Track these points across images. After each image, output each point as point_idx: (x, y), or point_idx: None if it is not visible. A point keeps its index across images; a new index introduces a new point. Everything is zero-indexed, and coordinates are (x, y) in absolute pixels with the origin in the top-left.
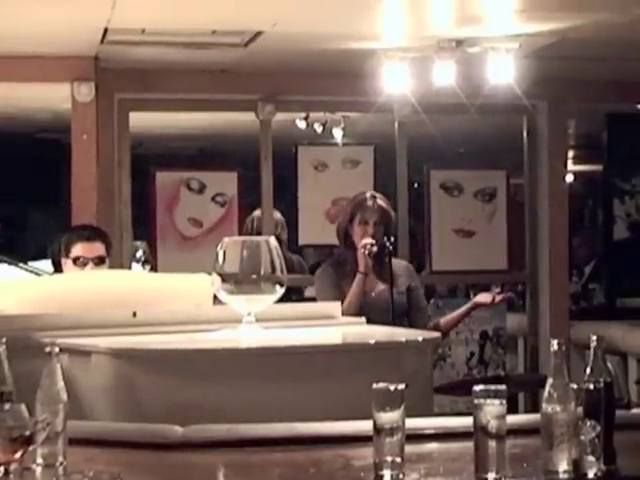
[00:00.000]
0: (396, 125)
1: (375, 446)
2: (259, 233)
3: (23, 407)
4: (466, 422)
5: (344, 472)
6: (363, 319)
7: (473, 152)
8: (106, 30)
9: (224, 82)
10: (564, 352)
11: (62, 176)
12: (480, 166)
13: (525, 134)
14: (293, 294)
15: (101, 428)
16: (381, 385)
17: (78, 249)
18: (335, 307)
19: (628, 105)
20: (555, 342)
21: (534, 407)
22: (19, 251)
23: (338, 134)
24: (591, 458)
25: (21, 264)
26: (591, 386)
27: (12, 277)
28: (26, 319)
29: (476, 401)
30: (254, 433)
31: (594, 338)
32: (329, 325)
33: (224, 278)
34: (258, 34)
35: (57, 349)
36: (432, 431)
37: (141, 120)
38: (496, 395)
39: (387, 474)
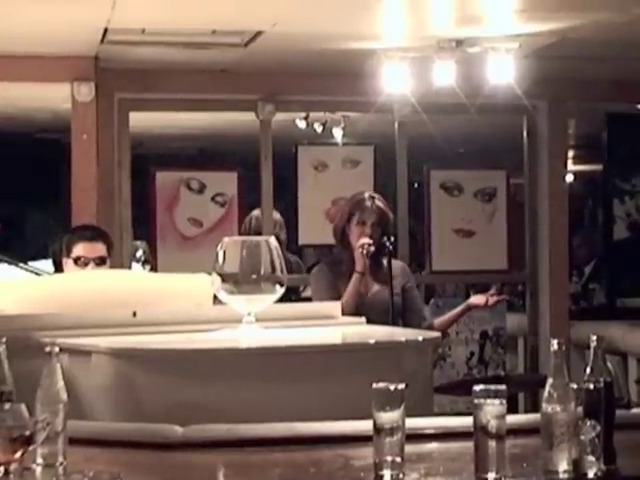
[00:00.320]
0: (396, 125)
1: (375, 446)
2: (257, 233)
3: (23, 407)
4: (466, 422)
5: (344, 472)
6: (363, 319)
7: (473, 152)
8: (106, 30)
9: (224, 82)
10: (564, 352)
11: (62, 176)
12: (480, 166)
13: (525, 134)
14: (291, 294)
15: (101, 428)
16: (381, 385)
17: (79, 249)
18: (335, 307)
19: (628, 105)
20: (555, 342)
21: (534, 407)
22: (19, 251)
23: (338, 134)
24: (591, 458)
25: (21, 264)
26: (591, 386)
27: (12, 277)
28: (26, 319)
29: (476, 401)
30: (254, 433)
31: (594, 338)
32: (329, 325)
33: (224, 278)
34: (258, 34)
35: (57, 349)
36: (432, 431)
37: (141, 120)
38: (496, 395)
39: (387, 474)
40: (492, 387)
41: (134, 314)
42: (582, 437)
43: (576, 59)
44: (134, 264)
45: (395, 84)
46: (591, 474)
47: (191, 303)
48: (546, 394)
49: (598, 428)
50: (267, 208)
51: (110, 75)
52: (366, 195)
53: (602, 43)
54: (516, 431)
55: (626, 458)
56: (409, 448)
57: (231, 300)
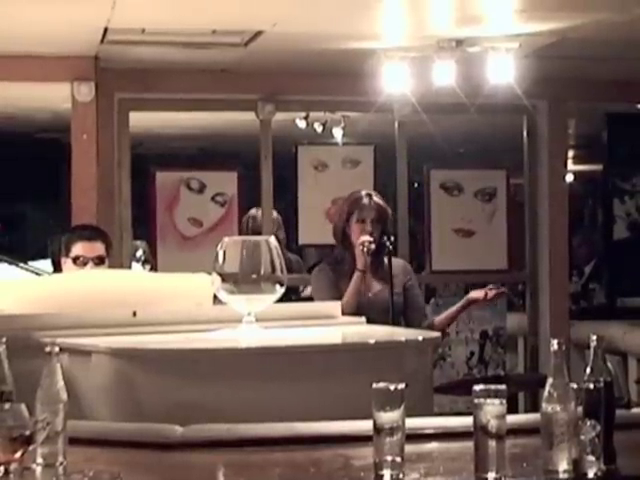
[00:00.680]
0: (396, 125)
1: (375, 446)
2: (255, 232)
3: (23, 407)
4: (466, 422)
5: (344, 472)
6: (363, 319)
7: (473, 152)
8: (106, 30)
9: (224, 82)
10: (564, 352)
11: (62, 176)
12: (480, 166)
13: (525, 134)
14: (291, 294)
15: (101, 428)
16: (381, 385)
17: (78, 249)
18: (335, 307)
19: (628, 105)
20: (555, 342)
21: (534, 407)
22: (19, 251)
23: (338, 134)
24: (591, 458)
25: (21, 264)
26: (591, 386)
27: (12, 277)
28: (26, 319)
29: (476, 401)
30: (254, 433)
31: (594, 338)
32: (329, 325)
33: (224, 278)
34: (258, 34)
35: (57, 349)
36: (432, 431)
37: (141, 120)
38: (496, 395)
39: (387, 474)
40: (492, 387)
41: (134, 314)
42: (582, 437)
43: (576, 59)
44: (134, 264)
45: (395, 84)
46: (591, 474)
47: (191, 303)
48: (546, 394)
49: (598, 428)
50: (267, 208)
51: (110, 75)
52: (363, 193)
53: (602, 43)
54: (516, 431)
55: (626, 458)
56: (409, 448)
57: (231, 300)
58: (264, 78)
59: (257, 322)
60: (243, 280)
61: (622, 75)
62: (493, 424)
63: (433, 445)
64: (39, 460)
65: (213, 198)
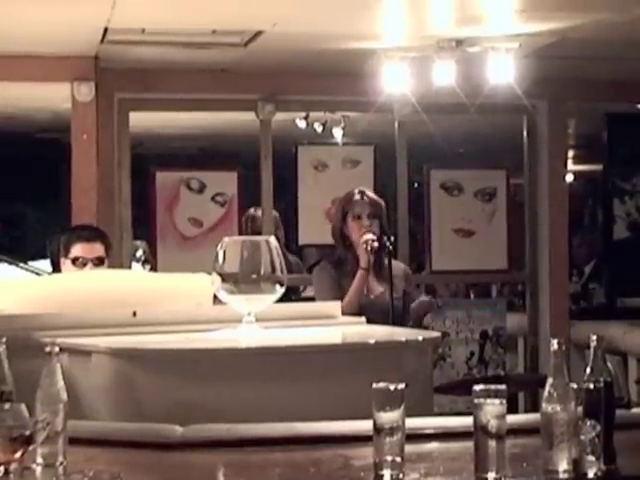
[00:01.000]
0: (396, 125)
1: (375, 446)
2: (255, 232)
3: (23, 407)
4: (466, 422)
5: (344, 472)
6: (363, 319)
7: (473, 152)
8: (106, 30)
9: (224, 82)
10: (564, 352)
11: (62, 176)
12: (480, 166)
13: (525, 134)
14: (291, 294)
15: (101, 428)
16: (381, 385)
17: (77, 249)
18: (335, 307)
19: (628, 105)
20: (555, 342)
21: (534, 407)
22: (19, 251)
23: (338, 134)
24: (591, 458)
25: (21, 264)
26: (591, 386)
27: (12, 277)
28: (26, 319)
29: (476, 401)
30: (254, 433)
31: (594, 338)
32: (329, 325)
33: (224, 278)
34: (258, 34)
35: (57, 349)
36: (432, 431)
37: (141, 120)
38: (496, 395)
39: (387, 474)
40: (492, 387)
41: (134, 314)
42: (582, 437)
43: (576, 59)
44: (134, 264)
45: (395, 84)
46: (591, 474)
47: (191, 303)
48: (546, 394)
49: (598, 428)
50: (267, 208)
51: (110, 75)
52: (355, 190)
53: (602, 43)
54: (516, 431)
55: (626, 458)
56: (409, 448)
57: (231, 300)
58: (264, 78)
59: (257, 322)
60: (243, 280)
61: (622, 75)
62: (493, 424)
63: (433, 445)
64: (39, 460)
65: (213, 198)
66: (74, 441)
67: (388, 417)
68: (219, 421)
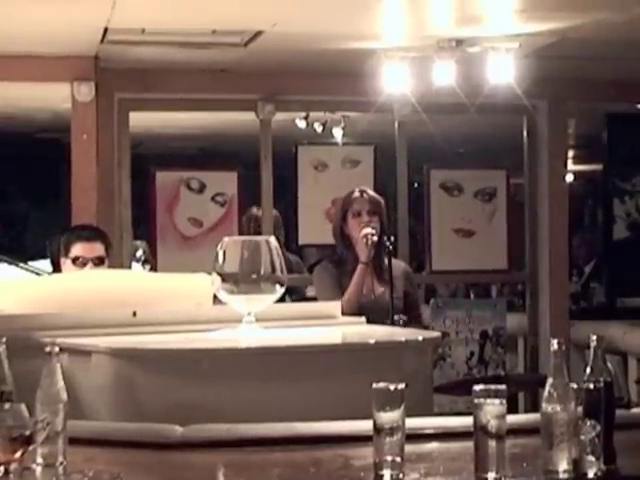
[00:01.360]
0: (396, 125)
1: (375, 446)
2: (257, 232)
3: (23, 407)
4: (466, 422)
5: (344, 472)
6: (363, 319)
7: (473, 152)
8: (106, 30)
9: (224, 82)
10: (564, 352)
11: (62, 176)
12: (480, 166)
13: (525, 134)
14: (293, 294)
15: (101, 428)
16: (381, 385)
17: (77, 249)
18: (335, 307)
19: (628, 105)
20: (555, 342)
21: (534, 407)
22: (19, 251)
23: (338, 134)
24: (591, 458)
25: (21, 264)
26: (591, 386)
27: (12, 277)
28: (26, 319)
29: (476, 401)
30: (254, 433)
31: (594, 338)
32: (329, 325)
33: (224, 278)
34: (258, 34)
35: (57, 349)
36: (432, 431)
37: (141, 120)
38: (496, 395)
39: (387, 474)
40: (492, 387)
41: (134, 314)
42: (582, 437)
43: (576, 59)
44: (134, 264)
45: (395, 84)
46: (591, 474)
47: (191, 303)
48: (546, 394)
49: (598, 428)
50: (267, 208)
51: (110, 75)
52: (356, 189)
53: (602, 43)
54: (516, 431)
55: (626, 458)
56: (409, 448)
57: (231, 300)
58: (264, 78)
59: (257, 322)
60: (243, 280)
61: (622, 75)
62: (493, 424)
63: (433, 445)
64: (39, 460)
65: (213, 198)
66: (74, 441)
67: (388, 417)
68: (219, 421)
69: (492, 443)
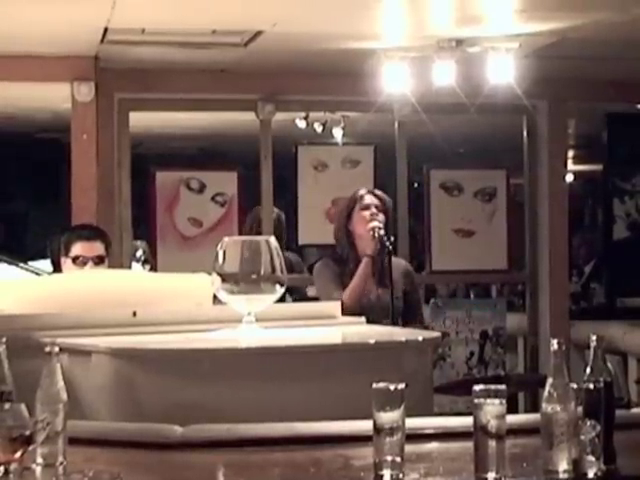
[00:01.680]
0: (396, 125)
1: (375, 446)
2: (259, 232)
3: (23, 407)
4: (466, 422)
5: (344, 472)
6: (363, 319)
7: (473, 152)
8: (106, 30)
9: (224, 82)
10: (564, 352)
11: (62, 176)
12: (480, 166)
13: (525, 134)
14: (294, 293)
15: (101, 428)
16: (381, 385)
17: (77, 248)
18: (335, 307)
19: (628, 105)
20: (555, 342)
21: (534, 407)
22: (19, 251)
23: (338, 134)
24: (591, 458)
25: (21, 264)
26: (591, 386)
27: (12, 277)
28: (26, 319)
29: (476, 401)
30: (254, 433)
31: (594, 338)
32: (329, 325)
33: (224, 278)
34: (258, 34)
35: (57, 349)
36: (432, 431)
37: (141, 120)
38: (496, 395)
39: (387, 474)
40: (492, 387)
41: (134, 314)
42: (582, 437)
43: (576, 59)
44: (134, 264)
45: (395, 84)
46: (591, 474)
47: (191, 303)
48: (546, 394)
49: (598, 428)
50: (267, 208)
51: (110, 75)
52: (362, 188)
53: (602, 43)
54: (516, 431)
55: (626, 458)
56: (409, 448)
57: (231, 300)
58: (264, 78)
59: (257, 322)
60: (243, 280)
61: (622, 75)
62: (493, 424)
63: (433, 445)
64: (39, 460)
65: (213, 198)
66: (74, 441)
67: (388, 417)
68: (219, 421)
69: (492, 443)
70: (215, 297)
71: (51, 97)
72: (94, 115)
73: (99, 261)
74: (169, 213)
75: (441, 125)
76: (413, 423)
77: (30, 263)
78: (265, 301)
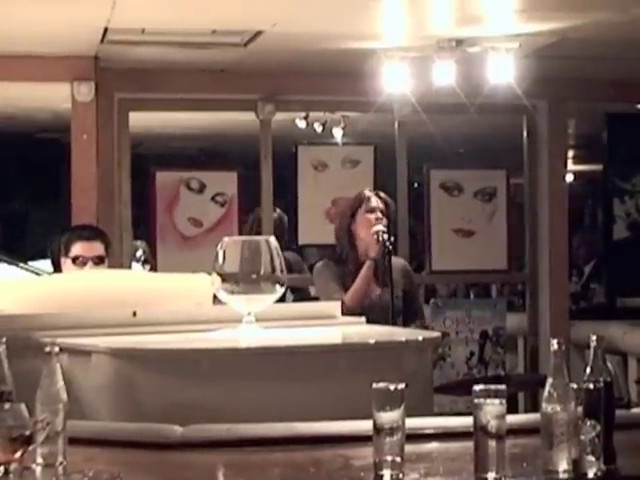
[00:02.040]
0: (396, 125)
1: (375, 446)
2: (259, 232)
3: (23, 407)
4: (466, 422)
5: (344, 472)
6: (363, 319)
7: (473, 152)
8: (106, 30)
9: (224, 82)
10: (564, 352)
11: (62, 176)
12: (480, 166)
13: (525, 134)
14: (294, 292)
15: (101, 428)
16: (381, 385)
17: (77, 248)
18: (335, 307)
19: (628, 105)
20: (555, 342)
21: (534, 407)
22: (19, 251)
23: (338, 134)
24: (591, 458)
25: (21, 264)
26: (591, 386)
27: (12, 277)
28: (26, 319)
29: (476, 401)
30: (254, 433)
31: (594, 338)
32: (329, 325)
33: (224, 278)
34: (258, 34)
35: (57, 349)
36: (432, 431)
37: (141, 120)
38: (496, 395)
39: (387, 474)
40: (492, 387)
41: (134, 314)
42: (582, 437)
43: (576, 59)
44: (134, 264)
45: (395, 84)
46: (591, 474)
47: (191, 303)
48: (546, 394)
49: (598, 428)
50: (267, 208)
51: (110, 75)
52: (367, 189)
53: (602, 43)
54: (516, 431)
55: (626, 458)
56: (409, 448)
57: (231, 300)
58: (264, 78)
59: (257, 322)
60: (243, 280)
61: (622, 75)
62: (493, 424)
63: (433, 445)
64: (39, 460)
65: (213, 198)
66: (74, 441)
67: (388, 417)
68: (219, 421)
69: (492, 443)
70: (215, 297)
71: (51, 97)
72: (94, 115)
73: (99, 261)
74: (169, 213)
75: (441, 125)
76: (413, 423)
77: (30, 263)
78: (265, 301)
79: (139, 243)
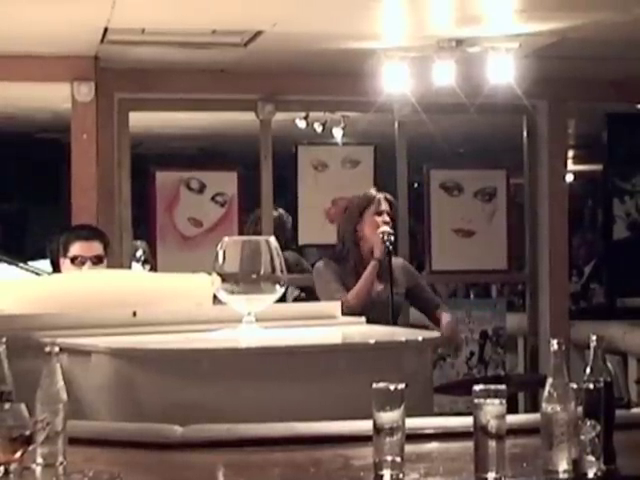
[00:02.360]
0: (396, 125)
1: (375, 446)
2: (259, 232)
3: (23, 407)
4: (466, 422)
5: (344, 472)
6: (363, 319)
7: (473, 152)
8: (106, 30)
9: (224, 82)
10: (564, 352)
11: (62, 176)
12: (480, 166)
13: (525, 134)
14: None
15: (101, 428)
16: (381, 385)
17: (76, 248)
18: (335, 307)
19: (628, 105)
20: (555, 342)
21: (534, 407)
22: (19, 251)
23: (338, 134)
24: (591, 458)
25: (20, 264)
26: (591, 386)
27: (11, 277)
28: (26, 319)
29: (476, 401)
30: (254, 433)
31: (594, 338)
32: (329, 325)
33: (224, 278)
34: (258, 34)
35: (57, 349)
36: (432, 431)
37: (141, 120)
38: (496, 395)
39: (387, 474)
40: (492, 387)
41: (134, 314)
42: (582, 437)
43: (576, 59)
44: (134, 264)
45: (395, 84)
46: (591, 474)
47: (191, 303)
48: (546, 394)
49: (598, 428)
50: (267, 208)
51: (110, 75)
52: (373, 189)
53: (602, 43)
54: (516, 431)
55: (626, 458)
56: (409, 448)
57: (231, 300)
58: (264, 78)
59: (257, 322)
60: (243, 280)
61: (622, 75)
62: (493, 424)
63: (433, 445)
64: (39, 460)
65: (213, 198)
66: (74, 441)
67: (388, 417)
68: (219, 421)
69: (492, 443)
70: (215, 297)
71: (51, 97)
72: (94, 115)
73: (97, 261)
74: (169, 213)
75: (441, 125)
76: (413, 423)
77: (30, 263)
78: (265, 301)
79: (139, 243)
